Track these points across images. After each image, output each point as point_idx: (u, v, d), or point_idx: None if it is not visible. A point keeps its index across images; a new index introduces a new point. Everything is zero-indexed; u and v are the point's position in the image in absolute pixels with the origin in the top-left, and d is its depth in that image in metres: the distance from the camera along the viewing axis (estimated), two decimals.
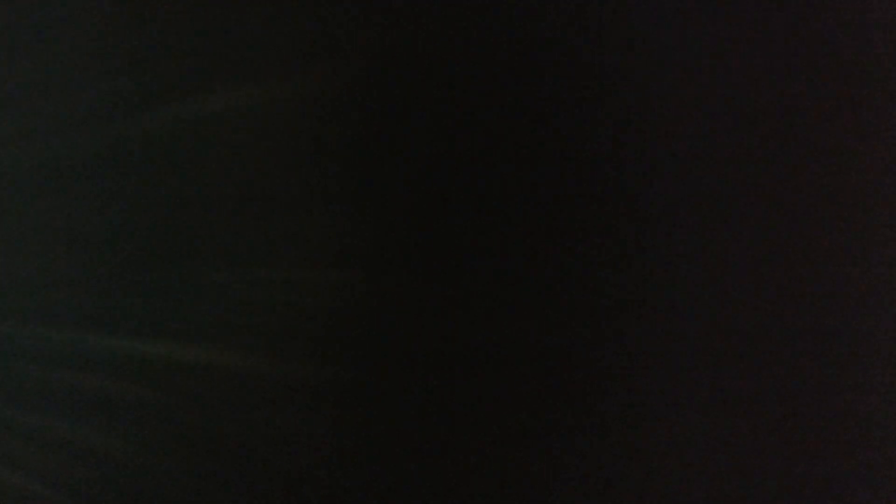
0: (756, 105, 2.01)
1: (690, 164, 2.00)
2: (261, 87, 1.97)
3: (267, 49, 1.97)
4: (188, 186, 1.94)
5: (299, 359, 1.94)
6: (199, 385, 1.93)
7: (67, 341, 1.94)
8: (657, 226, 1.99)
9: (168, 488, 1.92)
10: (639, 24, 1.99)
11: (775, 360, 1.99)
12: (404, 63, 1.96)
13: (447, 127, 1.97)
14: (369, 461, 1.93)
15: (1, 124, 1.98)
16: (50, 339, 1.94)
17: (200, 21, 1.98)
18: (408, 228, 1.95)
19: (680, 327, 1.99)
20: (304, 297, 1.94)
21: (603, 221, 1.98)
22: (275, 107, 1.97)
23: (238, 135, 1.97)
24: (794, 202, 2.00)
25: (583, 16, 1.99)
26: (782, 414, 1.98)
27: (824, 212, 2.00)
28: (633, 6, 2.00)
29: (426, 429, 1.93)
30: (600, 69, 1.98)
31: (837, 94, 2.01)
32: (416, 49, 1.96)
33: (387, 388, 1.94)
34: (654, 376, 1.98)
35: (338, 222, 1.93)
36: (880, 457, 1.97)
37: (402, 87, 1.96)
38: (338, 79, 1.96)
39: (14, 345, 1.94)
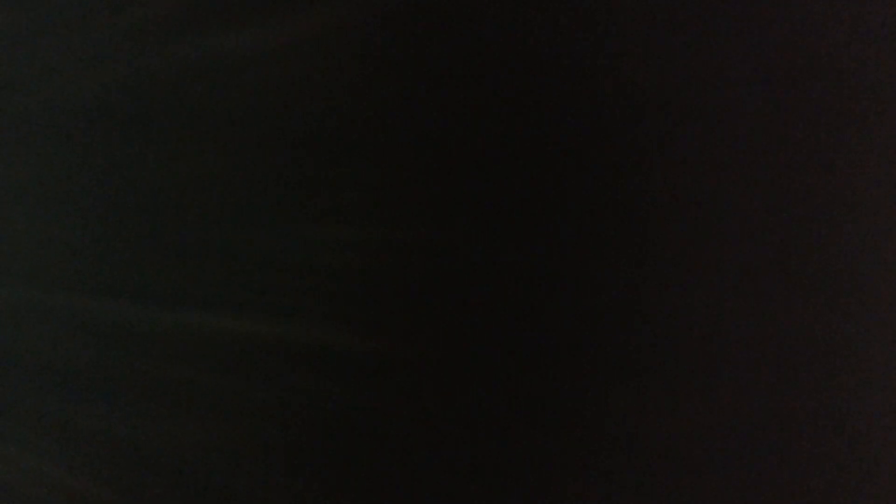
0: (755, 106, 2.01)
1: (690, 166, 2.00)
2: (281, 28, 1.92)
3: None
4: (207, 134, 1.89)
5: (329, 324, 1.89)
6: (221, 353, 1.89)
7: (79, 307, 1.90)
8: (658, 226, 1.99)
9: (196, 463, 1.89)
10: (639, 25, 2.00)
11: (774, 360, 1.99)
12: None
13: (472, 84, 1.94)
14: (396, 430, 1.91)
15: (4, 69, 1.93)
16: (61, 305, 1.90)
17: None
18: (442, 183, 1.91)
19: (680, 327, 1.99)
20: (334, 258, 1.89)
21: (605, 221, 1.98)
22: (297, 49, 1.92)
23: (267, 78, 1.92)
24: (794, 202, 2.01)
25: (584, 14, 2.00)
26: (781, 414, 1.98)
27: (823, 212, 2.00)
28: (634, 7, 2.00)
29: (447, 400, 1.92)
30: (600, 69, 1.99)
31: (837, 94, 2.01)
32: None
33: (416, 355, 1.91)
34: (654, 376, 1.98)
35: (364, 176, 1.89)
36: (879, 457, 1.97)
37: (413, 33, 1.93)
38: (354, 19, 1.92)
39: (21, 311, 1.90)
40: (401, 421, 1.95)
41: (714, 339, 2.00)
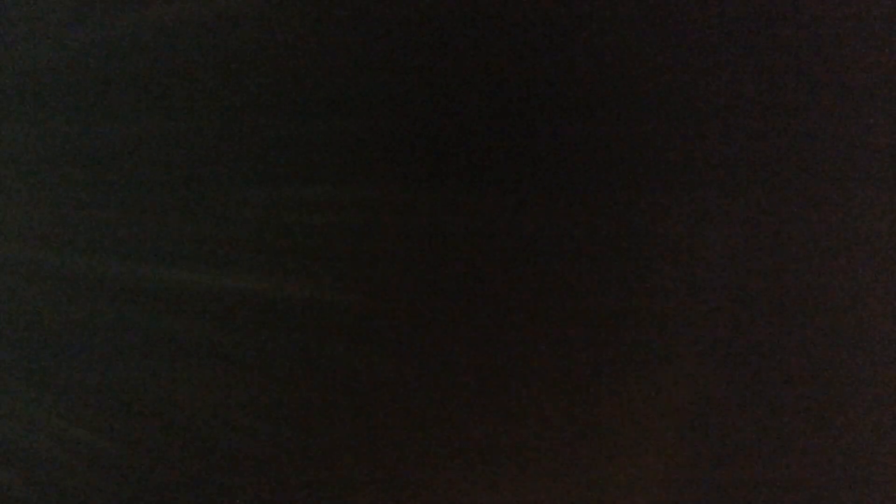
0: (754, 106, 2.01)
1: (689, 164, 2.00)
2: None
3: None
4: (190, 96, 1.90)
5: (317, 282, 1.91)
6: (212, 308, 1.92)
7: (69, 265, 1.92)
8: (656, 227, 1.99)
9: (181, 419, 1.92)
10: (639, 25, 1.99)
11: (773, 360, 1.99)
12: None
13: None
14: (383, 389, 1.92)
15: None
16: (51, 262, 1.92)
17: None
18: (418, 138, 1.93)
19: (678, 328, 1.99)
20: (322, 215, 1.90)
21: (604, 221, 1.98)
22: (269, 10, 1.93)
23: (246, 38, 1.94)
24: (793, 203, 2.00)
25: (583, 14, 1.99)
26: (778, 414, 1.98)
27: (823, 212, 2.00)
28: (634, 7, 2.00)
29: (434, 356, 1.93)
30: (599, 68, 1.98)
31: (836, 93, 2.01)
32: None
33: (400, 311, 1.93)
34: (652, 376, 1.98)
35: (346, 133, 1.90)
36: (878, 456, 1.97)
37: None
38: None
39: (15, 269, 1.92)
40: (386, 374, 1.97)
41: (708, 340, 2.00)
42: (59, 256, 1.96)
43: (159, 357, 1.97)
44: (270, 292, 1.97)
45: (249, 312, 1.97)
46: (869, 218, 2.01)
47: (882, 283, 2.01)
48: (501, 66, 1.98)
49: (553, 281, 1.99)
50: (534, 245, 1.99)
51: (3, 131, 1.96)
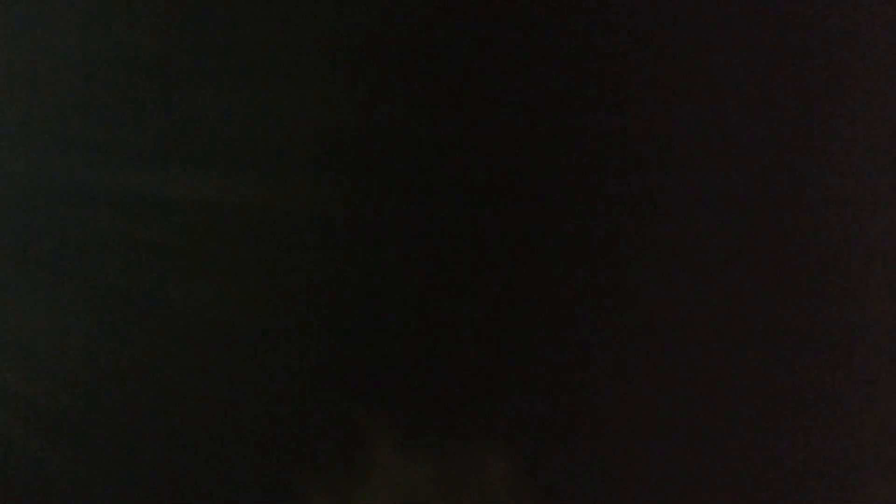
0: (753, 106, 2.02)
1: (688, 165, 2.01)
2: None
3: None
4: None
5: (301, 191, 1.92)
6: (192, 219, 1.92)
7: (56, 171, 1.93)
8: (654, 225, 2.00)
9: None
10: (638, 25, 2.01)
11: (771, 358, 1.99)
12: None
13: None
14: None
15: None
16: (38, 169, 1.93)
17: None
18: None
19: (676, 325, 2.00)
20: (303, 126, 1.90)
21: (600, 219, 2.00)
22: None
23: None
24: (792, 201, 2.01)
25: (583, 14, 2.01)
26: (777, 411, 1.99)
27: (821, 211, 2.01)
28: (634, 7, 2.01)
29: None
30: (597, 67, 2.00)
31: (835, 93, 2.01)
32: None
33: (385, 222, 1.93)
34: (649, 372, 1.99)
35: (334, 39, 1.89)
36: (876, 454, 1.97)
37: None
38: None
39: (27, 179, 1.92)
40: (377, 286, 1.99)
41: (702, 335, 2.01)
42: (50, 164, 1.98)
43: (144, 264, 1.98)
44: (261, 203, 1.97)
45: (238, 222, 1.98)
46: (870, 216, 2.01)
47: (883, 281, 2.01)
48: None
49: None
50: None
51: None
